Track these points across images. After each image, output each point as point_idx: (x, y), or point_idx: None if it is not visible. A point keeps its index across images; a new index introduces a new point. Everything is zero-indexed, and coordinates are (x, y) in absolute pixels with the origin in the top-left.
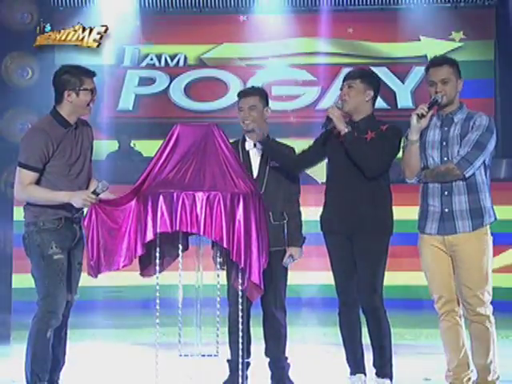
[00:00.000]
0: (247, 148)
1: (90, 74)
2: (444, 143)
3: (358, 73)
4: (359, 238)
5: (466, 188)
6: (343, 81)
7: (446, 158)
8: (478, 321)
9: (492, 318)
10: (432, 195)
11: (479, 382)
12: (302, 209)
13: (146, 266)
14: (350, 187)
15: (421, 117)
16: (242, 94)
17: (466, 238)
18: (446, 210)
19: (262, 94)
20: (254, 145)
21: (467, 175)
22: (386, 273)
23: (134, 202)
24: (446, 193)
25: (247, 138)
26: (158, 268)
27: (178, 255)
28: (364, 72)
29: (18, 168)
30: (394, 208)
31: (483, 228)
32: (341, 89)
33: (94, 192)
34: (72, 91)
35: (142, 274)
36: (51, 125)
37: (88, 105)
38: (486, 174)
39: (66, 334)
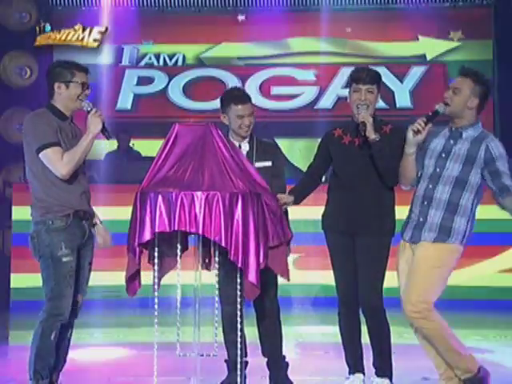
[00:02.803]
0: None
1: (83, 69)
2: (443, 155)
3: (374, 77)
4: (362, 238)
5: (446, 206)
6: (357, 82)
7: (438, 170)
8: (420, 325)
9: (434, 316)
10: (415, 203)
11: (465, 379)
12: (300, 208)
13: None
14: (354, 187)
15: (417, 132)
16: (240, 101)
17: (425, 246)
18: (421, 219)
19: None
20: (239, 146)
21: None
22: (386, 272)
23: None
24: (425, 203)
25: (231, 139)
26: (156, 268)
27: (176, 255)
28: (378, 75)
29: (41, 154)
30: (395, 208)
31: (447, 245)
32: (355, 91)
33: (90, 111)
34: (62, 83)
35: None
36: (47, 114)
37: (78, 98)
38: (473, 201)
39: (71, 334)
